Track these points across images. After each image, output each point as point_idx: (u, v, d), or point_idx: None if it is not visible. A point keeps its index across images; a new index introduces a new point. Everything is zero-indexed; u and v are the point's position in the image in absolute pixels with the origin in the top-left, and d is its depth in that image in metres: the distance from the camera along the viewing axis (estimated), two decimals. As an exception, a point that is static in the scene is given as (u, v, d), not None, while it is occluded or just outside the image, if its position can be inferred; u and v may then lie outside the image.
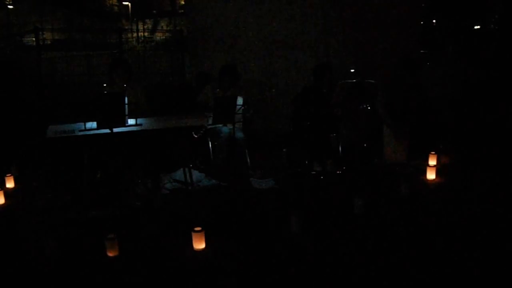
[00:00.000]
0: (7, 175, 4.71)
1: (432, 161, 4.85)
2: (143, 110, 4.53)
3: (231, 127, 4.81)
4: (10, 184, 4.68)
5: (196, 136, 5.01)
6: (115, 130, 3.81)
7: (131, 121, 3.96)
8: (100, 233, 3.34)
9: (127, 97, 3.92)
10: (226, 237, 3.49)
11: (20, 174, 4.92)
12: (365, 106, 5.21)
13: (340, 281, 2.91)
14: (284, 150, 5.38)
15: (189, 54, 7.43)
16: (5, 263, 3.22)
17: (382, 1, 6.46)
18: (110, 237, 3.21)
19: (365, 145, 5.32)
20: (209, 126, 4.89)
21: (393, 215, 3.86)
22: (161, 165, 4.75)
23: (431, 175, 4.70)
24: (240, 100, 4.89)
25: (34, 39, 7.97)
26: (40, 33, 7.86)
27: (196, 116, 4.63)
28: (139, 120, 4.06)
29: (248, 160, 5.05)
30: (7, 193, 4.44)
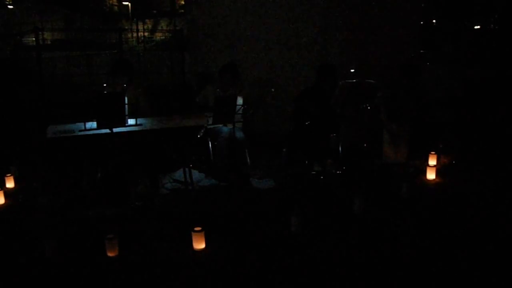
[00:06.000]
0: (7, 175, 4.70)
1: (432, 161, 4.85)
2: (143, 110, 4.53)
3: (231, 127, 4.81)
4: (10, 184, 4.67)
5: (198, 136, 5.00)
6: (115, 130, 3.81)
7: (131, 121, 3.96)
8: (100, 233, 3.34)
9: (127, 97, 3.92)
10: (226, 237, 3.49)
11: (20, 174, 4.92)
12: (365, 106, 5.21)
13: (340, 281, 2.91)
14: (284, 150, 5.37)
15: (189, 54, 7.43)
16: (5, 263, 3.22)
17: (382, 1, 6.46)
18: (110, 237, 3.21)
19: (365, 145, 5.31)
20: (209, 126, 4.89)
21: (393, 215, 3.86)
22: (161, 165, 4.75)
23: (431, 175, 4.70)
24: (240, 100, 4.88)
25: (34, 39, 7.97)
26: (40, 33, 7.86)
27: (196, 116, 4.63)
28: (139, 120, 4.06)
29: (248, 160, 5.05)
30: (7, 193, 4.44)
